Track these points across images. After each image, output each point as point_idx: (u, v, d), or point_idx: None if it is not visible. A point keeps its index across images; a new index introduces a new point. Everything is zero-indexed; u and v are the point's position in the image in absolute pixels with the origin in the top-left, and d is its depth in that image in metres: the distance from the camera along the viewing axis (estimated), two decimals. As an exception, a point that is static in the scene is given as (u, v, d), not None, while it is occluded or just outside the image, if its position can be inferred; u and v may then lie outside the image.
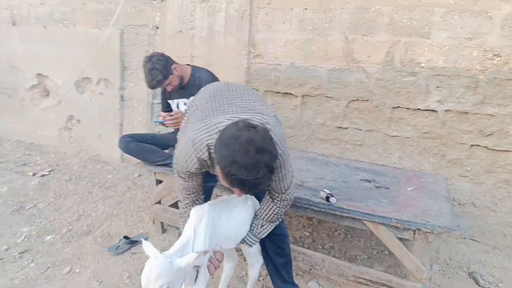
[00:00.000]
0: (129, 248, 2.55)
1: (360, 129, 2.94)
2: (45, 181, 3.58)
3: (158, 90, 3.68)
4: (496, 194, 2.66)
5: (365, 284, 2.11)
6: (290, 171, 1.61)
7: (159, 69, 2.35)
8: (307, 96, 3.04)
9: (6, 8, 4.46)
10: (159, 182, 2.69)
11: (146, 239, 2.68)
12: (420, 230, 1.93)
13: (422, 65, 2.64)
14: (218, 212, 1.61)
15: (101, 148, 4.12)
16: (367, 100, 2.86)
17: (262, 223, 1.75)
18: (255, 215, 1.78)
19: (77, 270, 2.34)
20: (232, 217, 1.68)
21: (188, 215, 1.70)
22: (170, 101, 2.71)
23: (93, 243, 2.64)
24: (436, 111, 2.68)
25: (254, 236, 1.75)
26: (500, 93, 2.48)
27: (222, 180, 1.36)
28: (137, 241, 2.62)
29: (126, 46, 3.77)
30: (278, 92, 3.13)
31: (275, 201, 1.69)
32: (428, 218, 1.97)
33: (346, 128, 2.99)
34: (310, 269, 2.24)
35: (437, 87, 2.64)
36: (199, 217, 1.52)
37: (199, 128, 1.49)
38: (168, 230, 2.80)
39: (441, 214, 2.03)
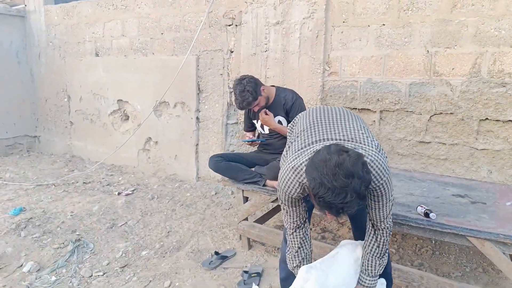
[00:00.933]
0: (220, 263, 2.66)
1: (444, 143, 2.88)
2: (131, 200, 3.84)
3: (233, 111, 3.86)
4: None
5: (469, 302, 2.04)
6: (391, 200, 1.61)
7: (249, 91, 2.49)
8: (385, 111, 3.04)
9: (90, 41, 4.94)
10: (245, 199, 2.80)
11: (234, 254, 2.78)
12: (533, 246, 1.85)
13: (513, 75, 2.55)
14: (326, 272, 1.62)
15: (177, 167, 4.36)
16: (451, 113, 2.80)
17: (379, 262, 1.70)
18: (364, 254, 1.75)
19: (177, 284, 2.48)
20: (340, 275, 1.68)
21: (295, 246, 1.76)
22: (254, 121, 2.84)
23: (186, 258, 2.78)
24: (530, 122, 2.57)
25: (374, 277, 1.72)
26: None
27: (312, 202, 1.40)
28: (227, 256, 2.73)
29: (201, 70, 4.01)
30: (355, 108, 3.15)
31: (378, 231, 1.68)
32: (539, 234, 1.89)
33: (428, 142, 2.94)
34: (407, 286, 2.20)
35: (530, 97, 2.54)
36: (306, 278, 1.55)
37: (298, 156, 1.57)
38: (254, 246, 2.89)
39: (552, 230, 1.93)
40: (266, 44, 3.49)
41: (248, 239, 2.84)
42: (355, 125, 1.71)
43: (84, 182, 4.38)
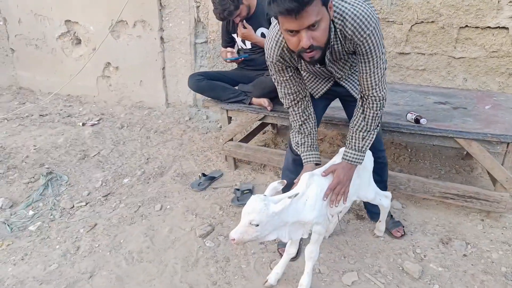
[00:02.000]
0: (209, 184, 2.63)
1: (423, 54, 2.89)
2: (98, 130, 3.59)
3: (201, 29, 3.55)
4: None
5: (451, 198, 2.20)
6: (383, 61, 1.47)
7: (231, -1, 2.24)
8: (367, 22, 2.93)
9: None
10: (229, 120, 2.70)
11: (221, 175, 2.76)
12: (515, 142, 1.98)
13: (497, -22, 2.52)
14: (328, 178, 1.61)
15: (144, 94, 4.08)
16: (432, 22, 2.77)
17: (363, 134, 1.59)
18: (349, 129, 1.65)
19: (168, 206, 2.43)
20: None
21: (297, 124, 1.71)
22: (234, 35, 2.62)
23: (172, 182, 2.71)
24: (507, 28, 2.61)
25: (359, 151, 1.60)
26: None
27: None
28: (214, 177, 2.70)
29: (162, -18, 3.57)
30: (336, 20, 3.02)
31: (368, 103, 1.56)
32: (520, 131, 2.02)
33: (408, 53, 2.93)
34: (394, 189, 2.32)
35: (510, 1, 2.54)
36: (308, 183, 1.53)
37: None
38: (239, 166, 2.87)
39: (529, 127, 2.07)
40: None
41: (234, 159, 2.80)
42: None
43: (40, 115, 4.00)
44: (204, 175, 2.68)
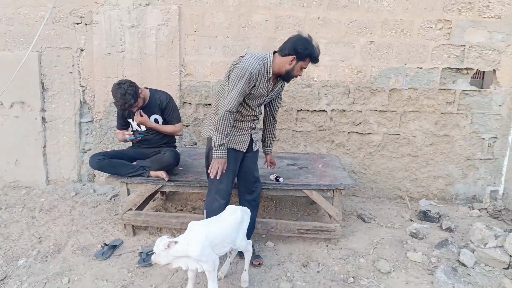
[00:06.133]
0: (112, 253, 2.89)
1: (276, 128, 3.89)
2: (-31, 215, 3.38)
3: (87, 109, 3.89)
4: (365, 163, 3.99)
5: (306, 232, 3.05)
6: None
7: (131, 94, 2.77)
8: (233, 106, 3.81)
9: None
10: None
11: (121, 243, 3.04)
12: (337, 189, 2.99)
13: (315, 79, 3.75)
14: (207, 226, 2.21)
15: (20, 173, 4.00)
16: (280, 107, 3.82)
17: (274, 137, 2.98)
18: (269, 137, 2.91)
19: (76, 278, 2.59)
20: (220, 228, 2.24)
21: (230, 126, 2.43)
22: (130, 120, 3.10)
23: (74, 256, 2.85)
24: (326, 111, 3.84)
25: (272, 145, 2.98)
26: (363, 96, 3.78)
27: None
28: (116, 245, 2.96)
29: (45, 68, 3.80)
30: (210, 104, 3.81)
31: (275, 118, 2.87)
32: (339, 181, 3.05)
33: (264, 128, 3.90)
34: (267, 232, 3.07)
35: (325, 94, 3.79)
36: (192, 229, 2.16)
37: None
38: (138, 232, 3.19)
39: (344, 178, 3.14)
40: (121, 45, 3.69)
41: (133, 226, 3.13)
42: None
43: None
44: (106, 244, 2.92)
